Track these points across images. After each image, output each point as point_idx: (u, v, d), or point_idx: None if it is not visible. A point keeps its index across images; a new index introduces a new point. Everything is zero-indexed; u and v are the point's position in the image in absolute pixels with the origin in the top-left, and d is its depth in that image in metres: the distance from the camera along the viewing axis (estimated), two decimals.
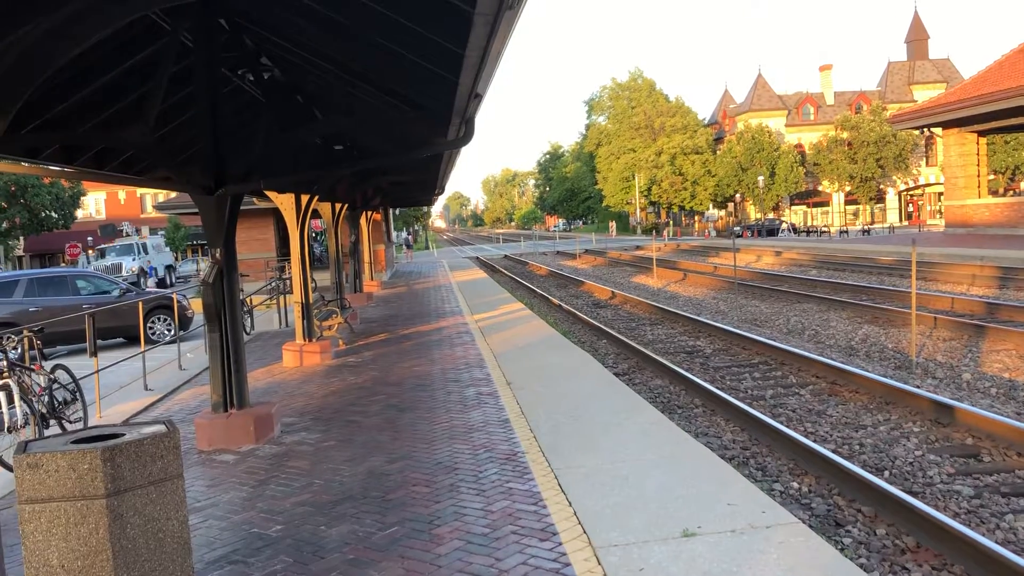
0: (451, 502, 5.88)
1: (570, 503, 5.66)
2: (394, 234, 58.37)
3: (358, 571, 4.81)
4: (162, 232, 59.60)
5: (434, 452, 7.26)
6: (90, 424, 9.17)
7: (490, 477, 6.40)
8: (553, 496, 5.84)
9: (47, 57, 3.12)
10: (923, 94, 66.08)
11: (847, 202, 71.20)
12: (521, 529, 5.25)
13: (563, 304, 21.65)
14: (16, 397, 8.08)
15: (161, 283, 43.03)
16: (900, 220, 68.76)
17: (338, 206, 18.64)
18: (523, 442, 7.33)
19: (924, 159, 69.65)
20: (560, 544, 4.97)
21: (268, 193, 12.77)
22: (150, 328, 17.59)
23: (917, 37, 75.07)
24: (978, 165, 36.70)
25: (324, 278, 21.86)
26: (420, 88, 8.00)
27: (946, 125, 36.65)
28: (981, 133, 36.39)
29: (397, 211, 64.12)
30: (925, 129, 43.48)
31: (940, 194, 60.14)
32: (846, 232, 53.49)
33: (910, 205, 71.50)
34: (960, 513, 6.40)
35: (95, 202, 71.39)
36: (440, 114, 8.04)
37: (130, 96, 8.45)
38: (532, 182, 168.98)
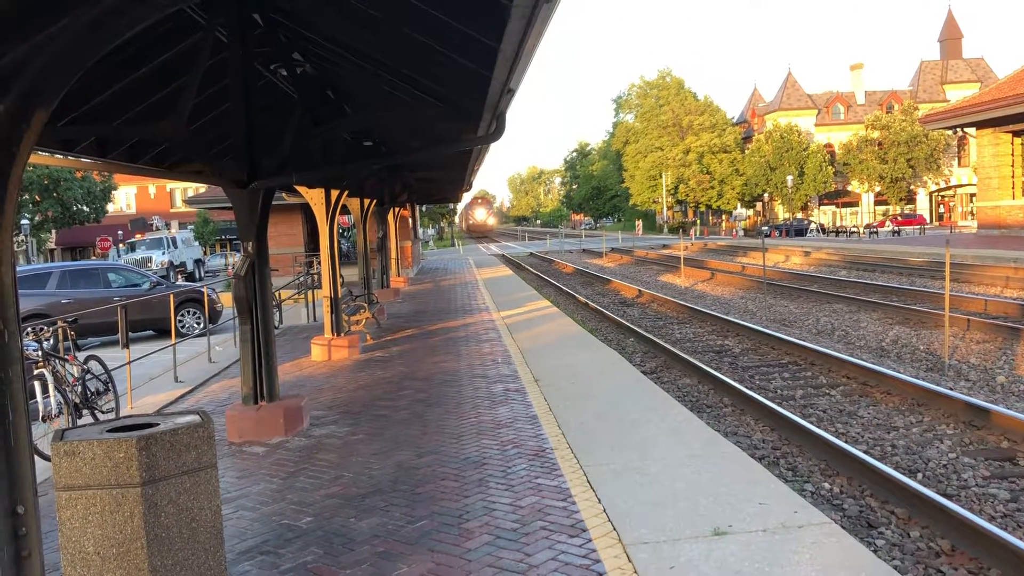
0: (480, 497, 5.88)
1: (599, 500, 5.63)
2: (420, 231, 58.47)
3: (388, 564, 4.81)
4: (191, 227, 60.15)
5: (462, 447, 7.26)
6: (122, 414, 9.27)
7: (519, 473, 6.38)
8: (582, 493, 5.81)
9: (87, 49, 3.13)
10: (956, 94, 65.06)
11: (877, 202, 70.38)
12: (550, 525, 5.23)
13: (590, 302, 21.58)
14: (50, 386, 8.18)
15: (190, 277, 43.45)
16: (930, 221, 67.82)
17: (367, 202, 18.71)
18: (551, 439, 7.32)
19: (956, 159, 68.65)
20: (590, 540, 4.94)
21: (299, 188, 12.85)
22: (180, 321, 17.76)
23: (951, 36, 74.07)
24: (1012, 166, 36.12)
25: (351, 274, 21.95)
26: (452, 83, 7.99)
27: (979, 125, 36.13)
28: (1016, 133, 35.80)
29: (424, 208, 64.29)
30: (958, 129, 42.87)
31: (972, 195, 59.28)
32: (876, 232, 52.89)
33: (941, 206, 70.52)
34: (996, 516, 6.30)
35: (126, 196, 72.22)
36: (471, 109, 8.02)
37: (165, 90, 8.52)
38: (558, 180, 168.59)
